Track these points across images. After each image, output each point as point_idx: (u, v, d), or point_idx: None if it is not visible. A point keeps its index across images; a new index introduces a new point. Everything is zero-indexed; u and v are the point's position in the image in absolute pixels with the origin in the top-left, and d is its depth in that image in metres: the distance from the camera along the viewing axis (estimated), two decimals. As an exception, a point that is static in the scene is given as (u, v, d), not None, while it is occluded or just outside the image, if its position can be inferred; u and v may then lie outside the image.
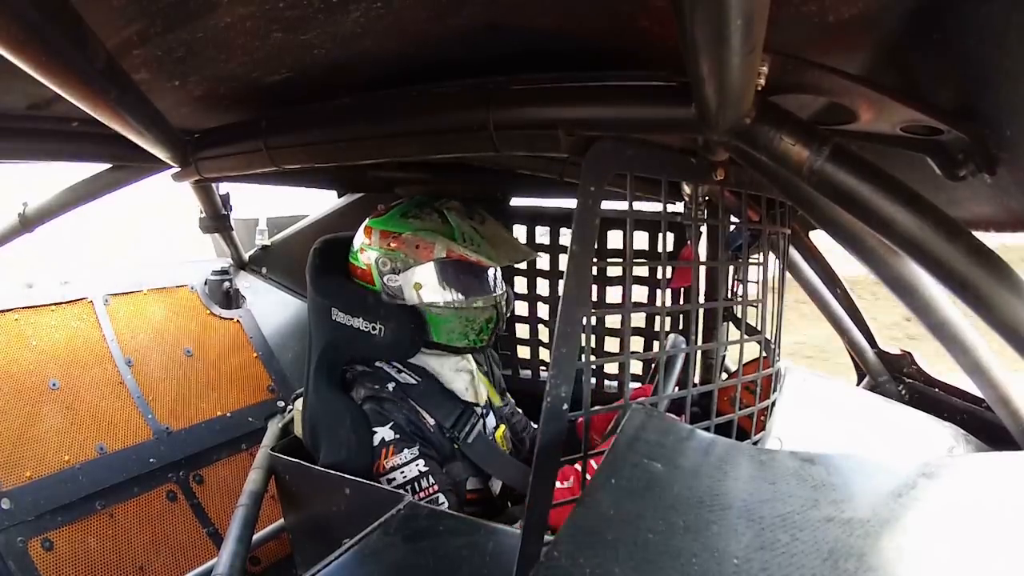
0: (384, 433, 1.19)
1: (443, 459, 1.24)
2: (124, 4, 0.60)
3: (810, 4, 0.57)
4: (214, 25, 0.65)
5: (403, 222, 1.26)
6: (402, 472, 1.17)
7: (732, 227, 1.05)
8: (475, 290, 1.27)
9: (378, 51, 0.79)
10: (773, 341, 1.08)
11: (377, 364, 1.28)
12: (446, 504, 1.17)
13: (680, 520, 0.47)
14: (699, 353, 1.49)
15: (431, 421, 1.23)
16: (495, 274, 1.34)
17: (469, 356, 1.34)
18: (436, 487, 1.18)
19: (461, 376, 1.31)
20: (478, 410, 1.31)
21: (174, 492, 1.61)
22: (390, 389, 1.23)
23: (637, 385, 1.65)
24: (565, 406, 0.75)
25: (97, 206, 1.43)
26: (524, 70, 0.82)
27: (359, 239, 1.31)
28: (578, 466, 1.01)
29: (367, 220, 1.32)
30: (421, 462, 1.18)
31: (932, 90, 0.65)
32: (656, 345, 1.68)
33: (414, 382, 1.26)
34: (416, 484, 1.17)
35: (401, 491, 1.11)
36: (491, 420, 1.36)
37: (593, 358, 0.80)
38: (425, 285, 1.23)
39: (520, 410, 1.54)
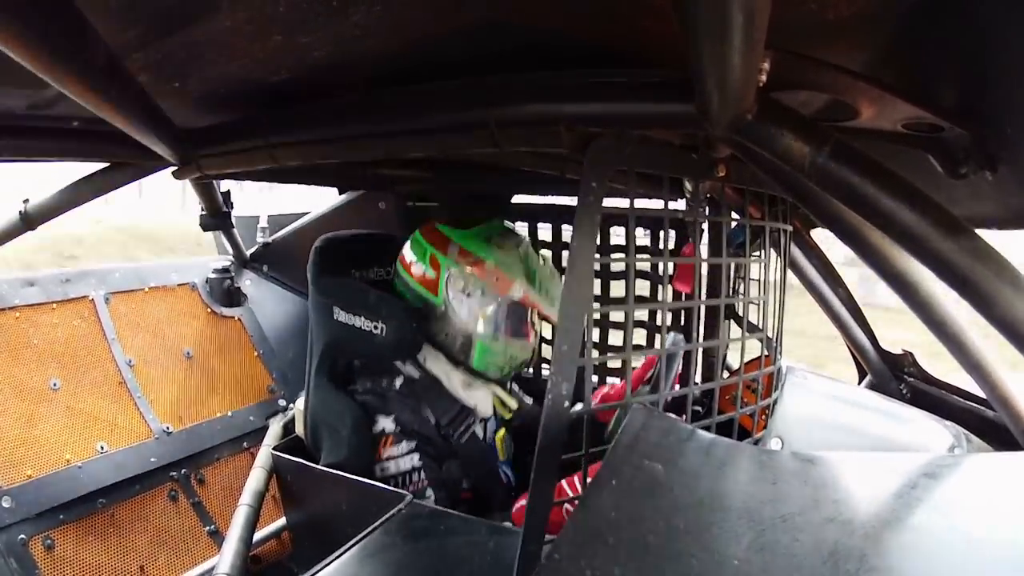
0: (386, 424, 1.22)
1: (441, 457, 1.25)
2: (123, 9, 0.60)
3: (811, 2, 0.56)
4: (214, 28, 0.65)
5: (487, 248, 1.27)
6: (396, 463, 1.20)
7: (734, 224, 1.04)
8: (529, 334, 1.32)
9: (378, 51, 0.79)
10: (774, 339, 1.07)
11: None
12: (433, 498, 1.19)
13: (681, 522, 0.47)
14: (700, 351, 1.48)
15: (432, 419, 1.25)
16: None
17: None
18: (425, 482, 1.20)
19: (471, 393, 1.30)
20: (476, 413, 1.31)
21: (175, 491, 1.61)
22: (397, 386, 1.25)
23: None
24: (566, 403, 0.75)
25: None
26: (525, 68, 0.82)
27: (425, 240, 1.31)
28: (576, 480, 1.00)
29: (439, 225, 1.32)
30: (416, 456, 1.21)
31: (933, 88, 0.64)
32: (657, 342, 1.68)
33: (418, 376, 1.28)
34: (408, 477, 1.19)
35: (392, 481, 1.14)
36: (491, 424, 1.37)
37: (595, 355, 0.80)
38: (490, 317, 1.26)
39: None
